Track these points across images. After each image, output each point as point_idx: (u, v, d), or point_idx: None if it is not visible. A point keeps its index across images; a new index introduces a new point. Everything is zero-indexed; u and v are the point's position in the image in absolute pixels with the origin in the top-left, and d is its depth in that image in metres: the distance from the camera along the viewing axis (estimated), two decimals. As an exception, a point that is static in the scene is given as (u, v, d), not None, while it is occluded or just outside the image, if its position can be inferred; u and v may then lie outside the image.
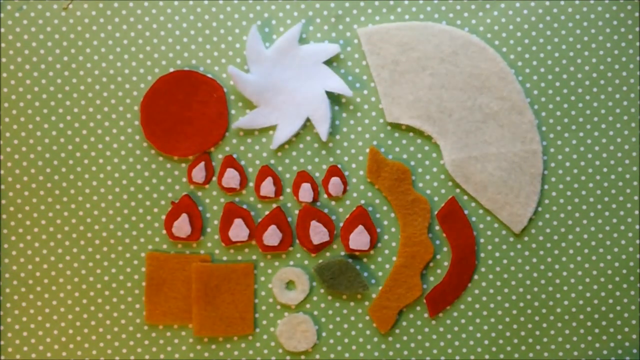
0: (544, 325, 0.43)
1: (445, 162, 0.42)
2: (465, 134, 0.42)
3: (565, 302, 0.43)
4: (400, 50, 0.42)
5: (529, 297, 0.43)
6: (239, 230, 0.42)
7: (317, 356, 0.43)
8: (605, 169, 0.43)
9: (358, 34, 0.42)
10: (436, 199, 0.43)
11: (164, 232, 0.42)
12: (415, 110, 0.42)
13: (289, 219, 0.43)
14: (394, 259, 0.43)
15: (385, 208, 0.43)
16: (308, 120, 0.43)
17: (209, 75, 0.42)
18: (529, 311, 0.43)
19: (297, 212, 0.43)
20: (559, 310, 0.43)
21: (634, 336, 0.43)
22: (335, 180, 0.42)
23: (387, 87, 0.42)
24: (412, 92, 0.42)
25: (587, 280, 0.43)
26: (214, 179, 0.43)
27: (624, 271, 0.43)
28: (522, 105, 0.42)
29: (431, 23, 0.42)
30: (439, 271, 0.43)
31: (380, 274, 0.43)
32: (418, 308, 0.43)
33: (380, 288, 0.43)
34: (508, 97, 0.42)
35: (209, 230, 0.43)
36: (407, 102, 0.42)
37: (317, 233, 0.42)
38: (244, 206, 0.43)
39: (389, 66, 0.42)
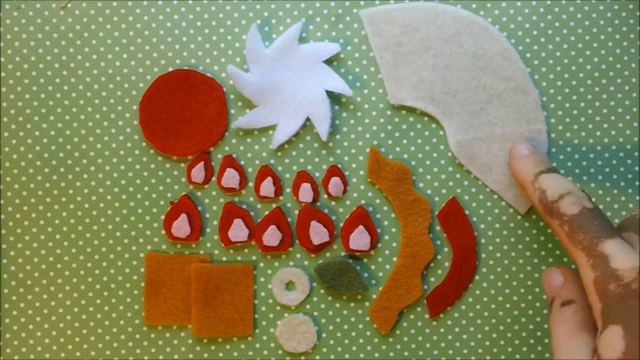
0: (546, 326, 0.43)
1: (450, 143, 0.42)
2: (469, 114, 0.42)
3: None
4: (403, 32, 0.41)
5: (530, 297, 0.43)
6: (238, 231, 0.42)
7: (317, 357, 0.43)
8: (607, 169, 0.43)
9: (360, 16, 0.42)
10: (437, 199, 0.43)
11: (163, 232, 0.42)
12: (419, 91, 0.42)
13: (289, 219, 0.42)
14: (395, 259, 0.43)
15: (385, 208, 0.43)
16: (308, 119, 0.42)
17: (209, 75, 0.42)
18: (531, 312, 0.43)
19: (297, 212, 0.43)
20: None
21: (636, 337, 0.43)
22: (335, 180, 0.42)
23: (390, 69, 0.42)
24: (415, 74, 0.42)
25: (589, 280, 0.43)
26: (214, 179, 0.42)
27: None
28: (526, 85, 0.42)
29: (434, 3, 0.42)
30: (439, 272, 0.43)
31: (380, 274, 0.43)
32: (419, 309, 0.43)
33: (380, 289, 0.43)
34: (512, 77, 0.42)
35: (208, 230, 0.43)
36: (411, 84, 0.42)
37: (317, 233, 0.42)
38: (244, 206, 0.42)
39: (392, 48, 0.42)
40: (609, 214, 0.43)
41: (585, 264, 0.31)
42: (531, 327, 0.43)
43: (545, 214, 0.35)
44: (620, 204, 0.43)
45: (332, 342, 0.43)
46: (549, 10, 0.42)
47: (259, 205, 0.43)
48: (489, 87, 0.42)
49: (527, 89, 0.42)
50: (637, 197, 0.43)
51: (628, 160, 0.43)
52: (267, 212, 0.42)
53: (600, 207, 0.43)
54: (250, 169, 0.42)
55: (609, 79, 0.43)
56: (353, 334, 0.43)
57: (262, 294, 0.43)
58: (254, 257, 0.43)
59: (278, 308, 0.43)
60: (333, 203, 0.43)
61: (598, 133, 0.43)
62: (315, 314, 0.43)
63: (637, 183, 0.43)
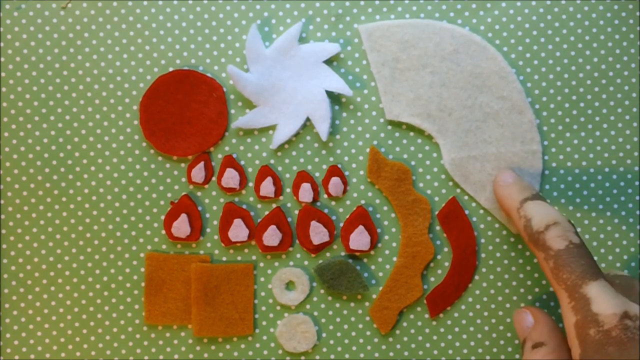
0: (545, 326, 0.43)
1: (445, 161, 0.42)
2: (464, 133, 0.42)
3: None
4: (401, 48, 0.42)
5: (530, 297, 0.43)
6: (238, 231, 0.42)
7: (317, 357, 0.43)
8: (607, 169, 0.43)
9: (359, 31, 0.42)
10: (437, 199, 0.43)
11: (163, 232, 0.42)
12: (415, 108, 0.42)
13: (289, 219, 0.43)
14: (395, 259, 0.43)
15: (385, 208, 0.43)
16: (308, 119, 0.42)
17: (209, 75, 0.42)
18: (530, 312, 0.43)
19: (297, 212, 0.43)
20: (559, 311, 0.43)
21: (636, 337, 0.43)
22: (335, 180, 0.42)
23: (387, 84, 0.42)
24: (412, 90, 0.42)
25: (589, 280, 0.43)
26: (214, 178, 0.42)
27: (626, 272, 0.43)
28: (522, 105, 0.42)
29: (432, 21, 0.42)
30: (439, 272, 0.43)
31: (380, 274, 0.43)
32: (419, 309, 0.43)
33: (380, 288, 0.43)
34: (508, 97, 0.42)
35: (208, 230, 0.43)
36: (407, 100, 0.42)
37: (317, 233, 0.42)
38: (244, 206, 0.42)
39: (389, 64, 0.42)
40: (608, 214, 0.43)
41: (567, 305, 0.31)
42: (531, 327, 0.43)
43: (530, 244, 0.35)
44: (620, 204, 0.43)
45: (332, 342, 0.43)
46: (548, 10, 0.42)
47: (259, 205, 0.43)
48: (485, 106, 0.42)
49: (523, 109, 0.42)
50: (637, 197, 0.43)
51: (628, 160, 0.43)
52: (267, 212, 0.42)
53: (600, 207, 0.43)
54: (250, 169, 0.42)
55: (609, 79, 0.43)
56: (353, 334, 0.43)
57: (262, 294, 0.43)
58: (254, 257, 0.43)
59: (278, 308, 0.43)
60: (333, 203, 0.43)
61: (598, 133, 0.43)
62: (315, 314, 0.43)
63: (637, 183, 0.43)
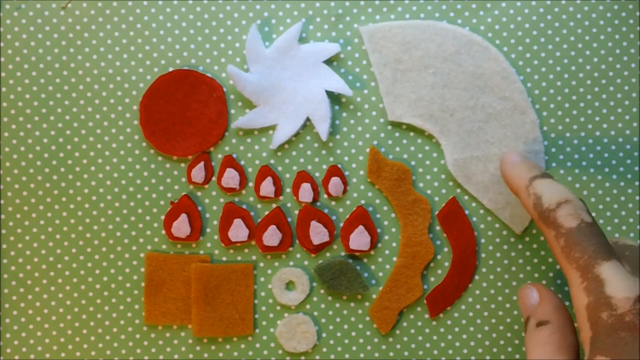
0: (545, 326, 0.43)
1: (447, 161, 0.42)
2: (467, 133, 0.42)
3: (567, 303, 0.43)
4: (403, 49, 0.42)
5: (530, 297, 0.43)
6: (238, 231, 0.42)
7: (317, 357, 0.43)
8: (606, 169, 0.43)
9: (360, 32, 0.42)
10: (437, 199, 0.43)
11: (163, 232, 0.42)
12: (417, 109, 0.42)
13: (289, 219, 0.43)
14: (395, 259, 0.43)
15: (385, 208, 0.43)
16: (308, 119, 0.42)
17: (209, 75, 0.42)
18: (530, 312, 0.43)
19: (297, 212, 0.43)
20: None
21: (636, 337, 0.43)
22: (335, 180, 0.42)
23: (389, 85, 0.42)
24: (414, 91, 0.42)
25: (589, 280, 0.43)
26: (214, 178, 0.42)
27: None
28: (524, 105, 0.42)
29: (434, 22, 0.42)
30: (439, 272, 0.43)
31: (380, 274, 0.43)
32: (419, 309, 0.43)
33: (380, 288, 0.43)
34: (510, 97, 0.42)
35: (208, 230, 0.43)
36: (409, 101, 0.42)
37: (317, 233, 0.42)
38: (244, 206, 0.42)
39: (391, 65, 0.42)
40: (608, 214, 0.43)
41: (579, 285, 0.30)
42: (531, 327, 0.43)
43: (540, 222, 0.34)
44: (620, 204, 0.43)
45: (332, 342, 0.43)
46: (548, 10, 0.42)
47: (259, 205, 0.43)
48: (487, 107, 0.42)
49: (525, 109, 0.42)
50: (637, 197, 0.43)
51: (628, 160, 0.43)
52: (267, 212, 0.42)
53: (600, 207, 0.43)
54: (250, 169, 0.42)
55: (609, 79, 0.43)
56: (353, 334, 0.43)
57: (262, 294, 0.43)
58: (254, 257, 0.43)
59: (278, 308, 0.43)
60: (333, 203, 0.43)
61: (598, 133, 0.43)
62: (315, 314, 0.43)
63: (636, 183, 0.43)
